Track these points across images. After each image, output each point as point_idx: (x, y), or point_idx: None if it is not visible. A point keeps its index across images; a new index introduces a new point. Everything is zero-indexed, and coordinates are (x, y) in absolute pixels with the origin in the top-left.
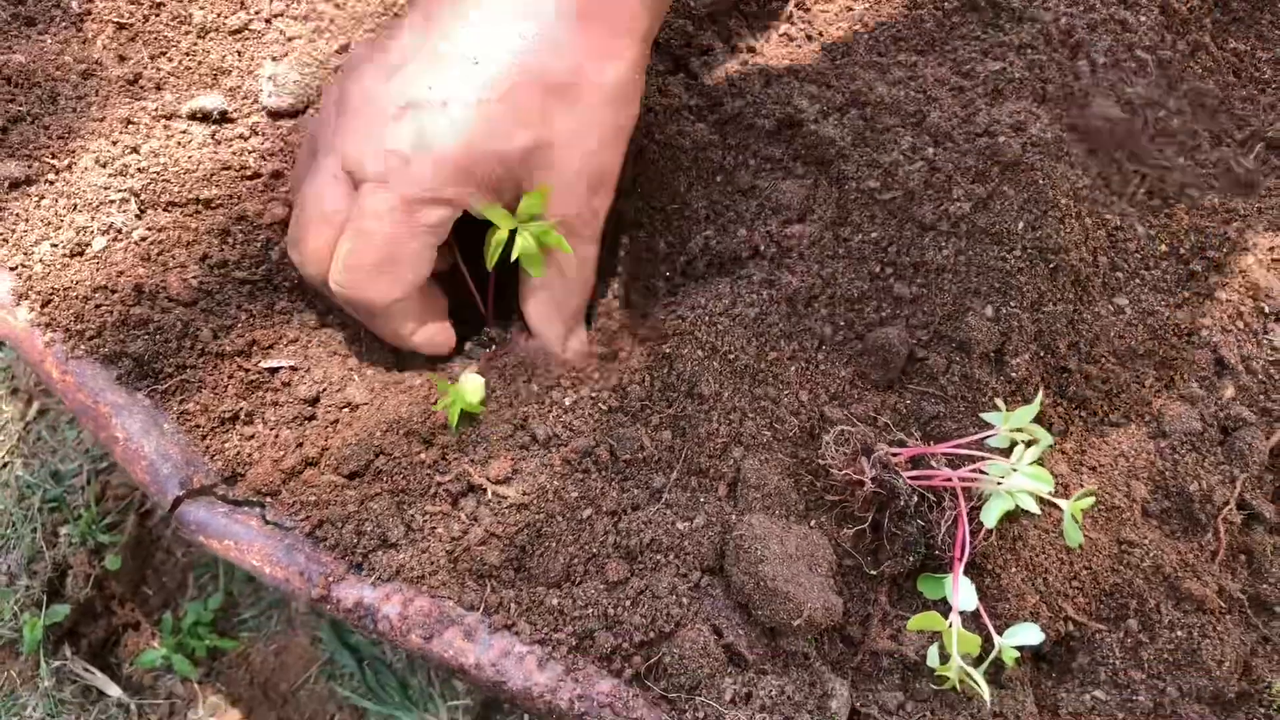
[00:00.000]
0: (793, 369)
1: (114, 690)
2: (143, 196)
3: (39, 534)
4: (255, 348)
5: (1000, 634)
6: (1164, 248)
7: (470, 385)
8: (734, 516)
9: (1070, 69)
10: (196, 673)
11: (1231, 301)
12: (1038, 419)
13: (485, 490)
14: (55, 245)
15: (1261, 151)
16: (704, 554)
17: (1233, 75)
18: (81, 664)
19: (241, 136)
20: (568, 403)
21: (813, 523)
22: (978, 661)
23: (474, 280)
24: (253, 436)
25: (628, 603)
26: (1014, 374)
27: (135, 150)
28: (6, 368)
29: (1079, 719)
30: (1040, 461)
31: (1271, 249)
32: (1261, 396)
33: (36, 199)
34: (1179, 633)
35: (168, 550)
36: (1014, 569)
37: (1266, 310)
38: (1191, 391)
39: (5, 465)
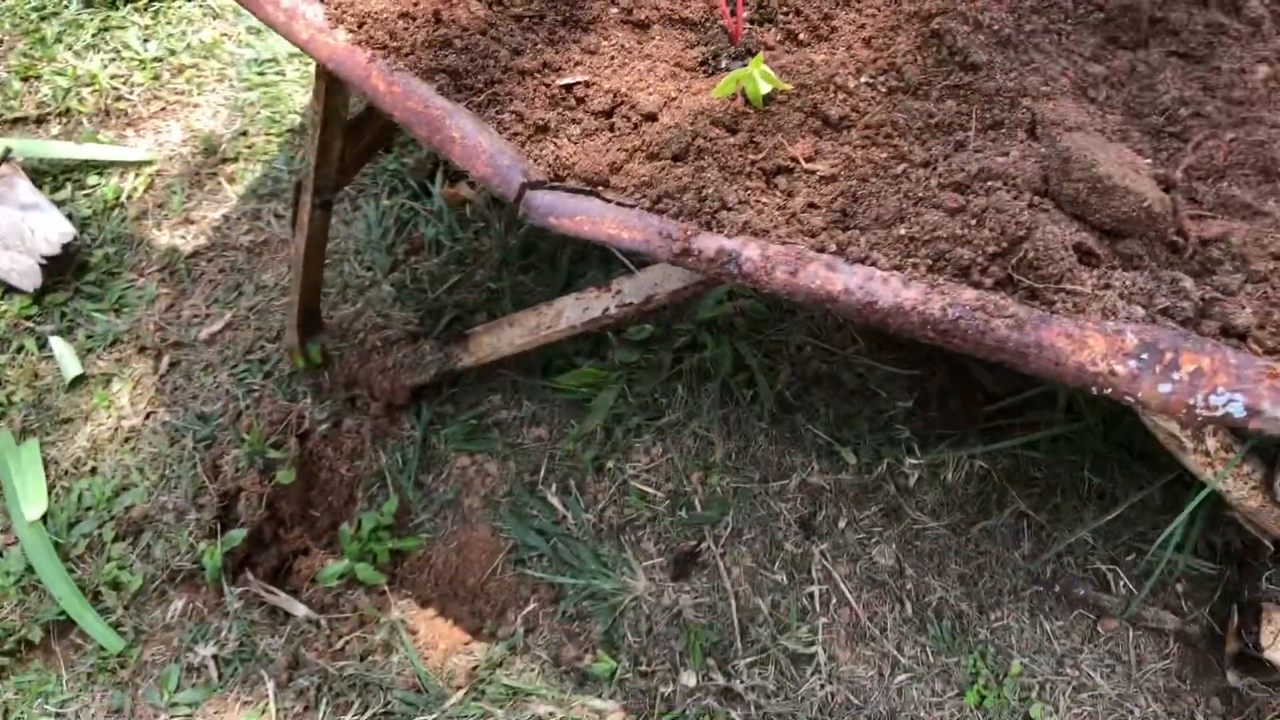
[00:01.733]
0: (1047, 41)
1: (300, 609)
2: None
3: (199, 469)
4: (548, 69)
5: None
6: None
7: (762, 71)
8: (1044, 149)
9: None
10: (383, 578)
11: None
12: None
13: (795, 168)
14: None
15: None
16: (1030, 179)
17: None
18: (263, 586)
19: None
20: (851, 86)
21: (1120, 146)
22: None
23: None
24: (563, 146)
25: (973, 222)
26: (1251, 14)
27: None
28: (130, 328)
29: None
30: None
31: None
32: None
33: None
34: None
35: (331, 468)
36: None
37: None
38: None
39: (150, 415)
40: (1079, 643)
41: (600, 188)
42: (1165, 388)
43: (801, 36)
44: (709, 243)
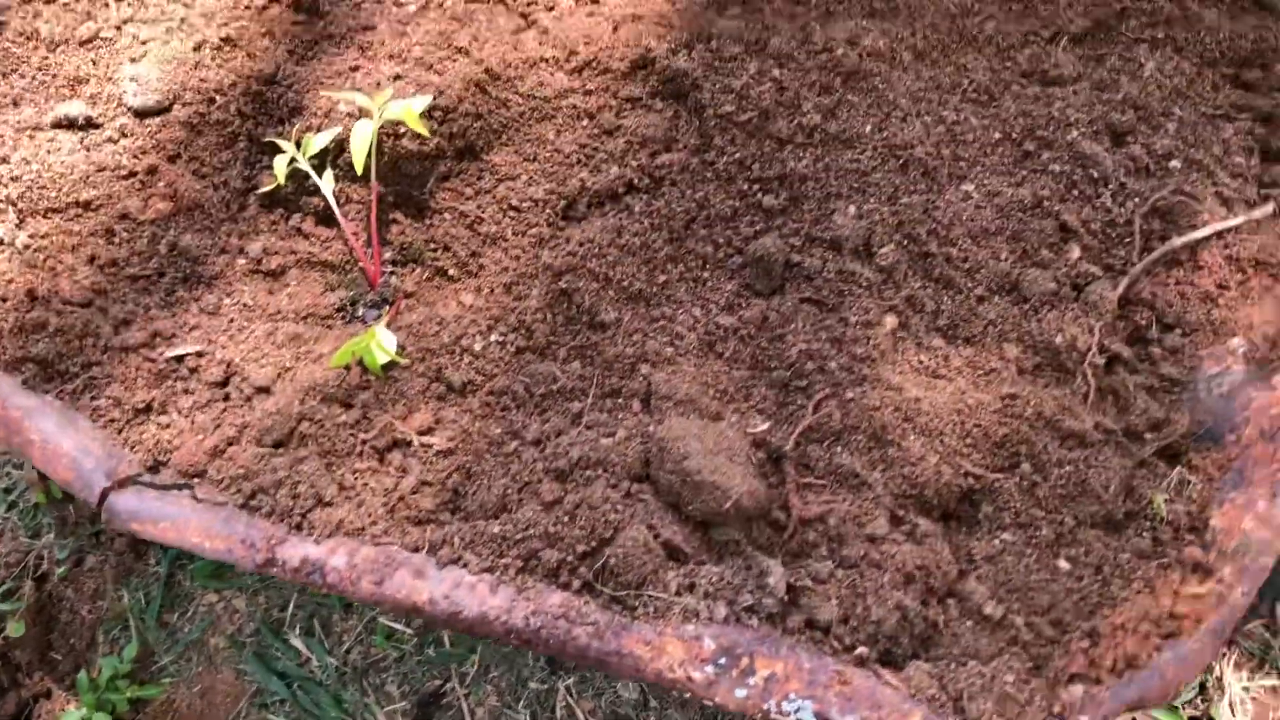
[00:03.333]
0: (683, 289)
1: None
2: (20, 205)
3: None
4: (158, 339)
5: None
6: (998, 135)
7: (382, 339)
8: (653, 426)
9: None
10: None
11: (1064, 172)
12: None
13: (411, 442)
14: None
15: (1068, 44)
16: (630, 463)
17: None
18: None
19: (111, 139)
20: (478, 348)
21: (725, 423)
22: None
23: (351, 230)
24: (169, 425)
25: (566, 518)
26: (883, 263)
27: (4, 160)
28: None
29: (992, 561)
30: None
31: (1091, 122)
32: (1104, 253)
33: None
34: (1067, 468)
35: (72, 609)
36: (913, 436)
37: (1095, 176)
38: (1043, 257)
39: None
40: None
41: (197, 479)
42: (741, 693)
43: (451, 272)
44: (294, 551)
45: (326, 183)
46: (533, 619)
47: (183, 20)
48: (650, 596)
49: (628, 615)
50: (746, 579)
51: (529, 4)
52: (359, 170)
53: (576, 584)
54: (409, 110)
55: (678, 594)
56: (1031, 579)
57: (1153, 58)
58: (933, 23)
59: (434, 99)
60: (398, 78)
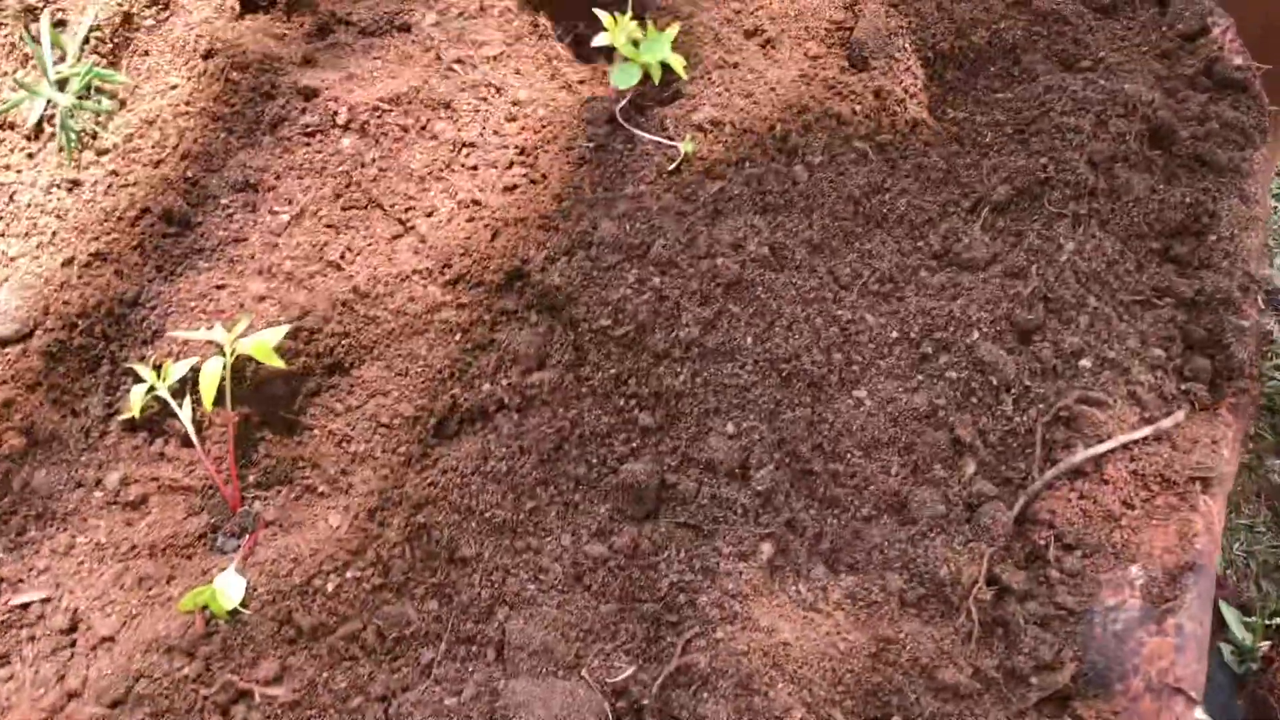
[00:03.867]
0: (553, 513)
1: None
2: None
3: None
4: (4, 585)
5: None
6: (895, 334)
7: (228, 587)
8: (502, 683)
9: (788, 175)
10: None
11: (962, 379)
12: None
13: (254, 694)
14: None
15: (989, 216)
16: None
17: (956, 144)
18: None
19: None
20: (330, 589)
21: (583, 672)
22: None
23: (213, 457)
24: (11, 677)
25: None
26: (760, 486)
27: None
28: None
29: None
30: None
31: (994, 321)
32: (1002, 468)
33: None
34: None
35: None
36: (781, 684)
37: (995, 383)
38: (935, 474)
39: None
40: None
41: None
42: None
43: (322, 489)
44: None
45: (185, 411)
46: None
47: (54, 234)
48: None
49: None
50: None
51: (407, 210)
52: (208, 408)
53: None
54: (260, 345)
55: None
56: None
57: (1074, 236)
58: (833, 210)
59: (300, 320)
60: (263, 298)
